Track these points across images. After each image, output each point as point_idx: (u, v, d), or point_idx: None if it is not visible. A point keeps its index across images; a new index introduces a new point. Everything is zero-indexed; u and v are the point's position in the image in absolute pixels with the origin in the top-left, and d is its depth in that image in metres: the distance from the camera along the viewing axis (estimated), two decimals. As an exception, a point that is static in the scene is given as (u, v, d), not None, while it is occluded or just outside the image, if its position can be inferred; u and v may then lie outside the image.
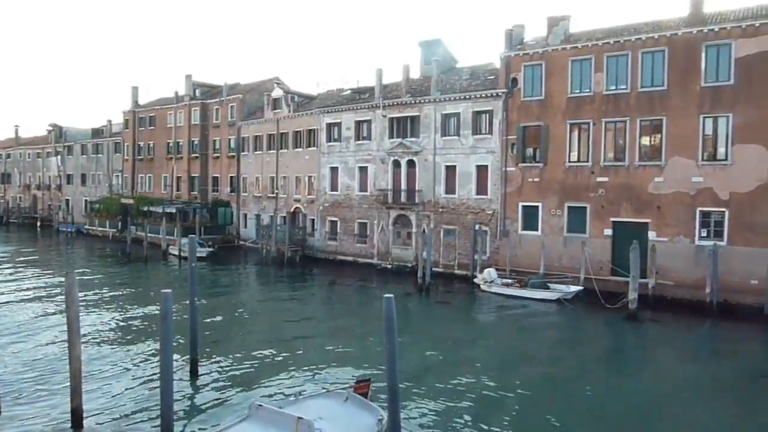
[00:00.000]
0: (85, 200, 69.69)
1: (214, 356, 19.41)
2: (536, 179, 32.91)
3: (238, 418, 12.04)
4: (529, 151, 33.45)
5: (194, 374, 17.18)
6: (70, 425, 13.40)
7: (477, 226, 34.58)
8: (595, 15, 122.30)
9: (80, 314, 13.98)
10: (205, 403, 15.37)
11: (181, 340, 19.44)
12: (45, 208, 77.63)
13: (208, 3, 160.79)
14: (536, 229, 32.85)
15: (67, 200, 73.32)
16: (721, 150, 27.50)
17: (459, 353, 20.61)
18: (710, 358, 20.78)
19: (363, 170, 41.76)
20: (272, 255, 43.04)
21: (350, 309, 29.27)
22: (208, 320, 23.97)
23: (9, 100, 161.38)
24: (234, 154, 53.78)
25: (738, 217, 26.88)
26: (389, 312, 11.20)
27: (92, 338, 21.48)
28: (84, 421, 13.47)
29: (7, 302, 28.14)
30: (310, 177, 45.83)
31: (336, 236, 43.28)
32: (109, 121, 70.42)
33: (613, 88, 30.23)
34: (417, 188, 38.18)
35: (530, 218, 33.16)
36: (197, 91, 59.31)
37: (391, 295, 11.32)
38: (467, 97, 35.90)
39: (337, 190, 43.49)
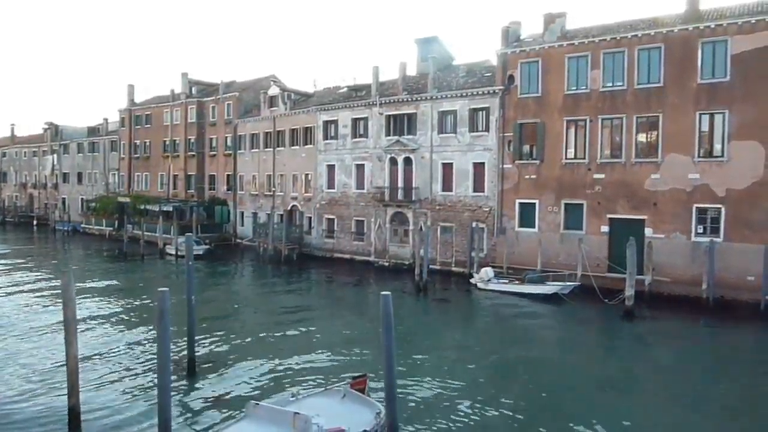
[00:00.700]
0: (82, 199, 69.55)
1: (211, 354, 19.42)
2: (533, 176, 32.95)
3: (236, 418, 12.05)
4: (526, 148, 33.47)
5: (191, 372, 17.17)
6: (67, 424, 13.37)
7: (474, 224, 34.62)
8: (592, 12, 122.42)
9: (77, 313, 13.96)
10: (202, 402, 15.36)
11: (178, 339, 19.45)
12: (41, 207, 77.44)
13: (204, 1, 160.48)
14: (533, 227, 32.90)
15: (64, 199, 73.15)
16: (718, 147, 27.56)
17: (456, 350, 20.63)
18: (706, 354, 20.84)
19: (360, 168, 41.74)
20: (269, 253, 43.04)
21: (347, 307, 29.27)
22: (206, 319, 23.92)
23: (5, 98, 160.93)
24: (231, 152, 53.70)
25: (734, 214, 26.95)
26: (386, 309, 11.21)
27: (89, 337, 21.45)
28: (81, 420, 13.44)
29: (4, 301, 28.06)
30: (306, 175, 45.80)
31: (333, 234, 43.28)
32: (106, 120, 70.23)
33: (610, 85, 30.26)
34: (414, 186, 38.19)
35: (527, 215, 33.20)
36: (193, 89, 59.14)
37: (389, 293, 11.33)
38: (464, 94, 35.90)
39: (334, 188, 43.49)
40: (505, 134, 33.99)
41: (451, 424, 14.01)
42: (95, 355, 19.38)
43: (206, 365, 18.21)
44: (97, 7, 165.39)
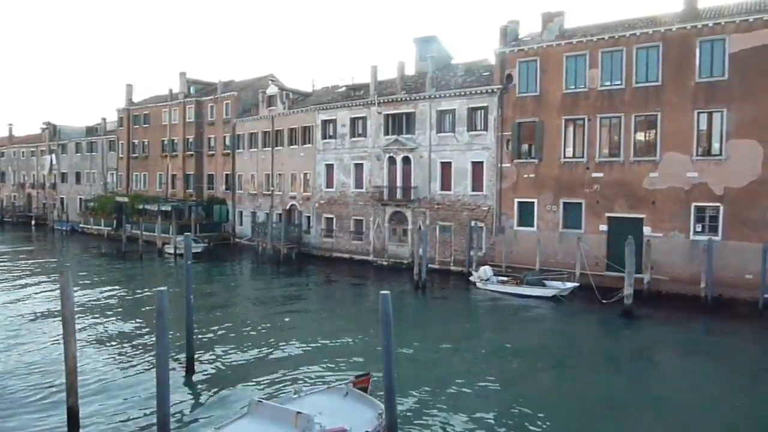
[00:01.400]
0: (80, 198, 69.50)
1: (210, 353, 19.41)
2: (531, 175, 32.96)
3: (238, 415, 12.04)
4: (525, 147, 33.47)
5: (190, 372, 17.18)
6: (66, 424, 13.36)
7: (473, 223, 34.63)
8: (590, 11, 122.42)
9: (75, 312, 13.95)
10: (201, 401, 15.37)
11: (177, 338, 19.44)
12: (40, 207, 77.40)
13: (203, 0, 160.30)
14: (532, 225, 32.92)
15: (62, 199, 73.08)
16: (716, 145, 27.58)
17: (455, 350, 20.62)
18: (705, 353, 20.84)
19: (358, 167, 41.74)
20: (268, 252, 43.03)
21: (347, 306, 29.28)
22: (204, 318, 23.94)
23: (2, 98, 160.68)
24: (229, 151, 53.68)
25: (733, 212, 26.99)
26: (386, 309, 11.21)
27: (88, 336, 21.44)
28: (80, 420, 13.43)
29: (2, 301, 28.03)
30: (305, 174, 45.78)
31: (332, 233, 43.27)
32: (104, 119, 70.19)
33: (608, 83, 30.27)
34: (412, 185, 38.19)
35: (526, 214, 33.22)
36: (192, 88, 59.11)
37: (388, 292, 11.33)
38: (462, 93, 35.90)
39: (332, 187, 43.48)
40: (504, 133, 34.00)
41: (450, 424, 14.02)
42: (94, 354, 19.36)
43: (205, 364, 18.21)
44: (96, 7, 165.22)
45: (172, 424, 12.10)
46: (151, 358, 18.13)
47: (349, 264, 40.45)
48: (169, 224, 48.71)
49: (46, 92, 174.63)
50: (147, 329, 22.38)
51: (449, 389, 16.31)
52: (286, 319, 25.31)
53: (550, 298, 28.33)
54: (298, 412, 11.00)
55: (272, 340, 21.42)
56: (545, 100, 32.36)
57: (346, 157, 42.50)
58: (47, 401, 15.19)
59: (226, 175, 54.30)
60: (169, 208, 51.40)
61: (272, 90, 49.54)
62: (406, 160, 38.71)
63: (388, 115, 39.81)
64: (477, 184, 35.42)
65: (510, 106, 33.79)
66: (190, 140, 57.03)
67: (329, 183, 43.76)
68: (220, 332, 22.38)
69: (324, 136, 44.15)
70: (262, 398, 12.79)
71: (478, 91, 35.13)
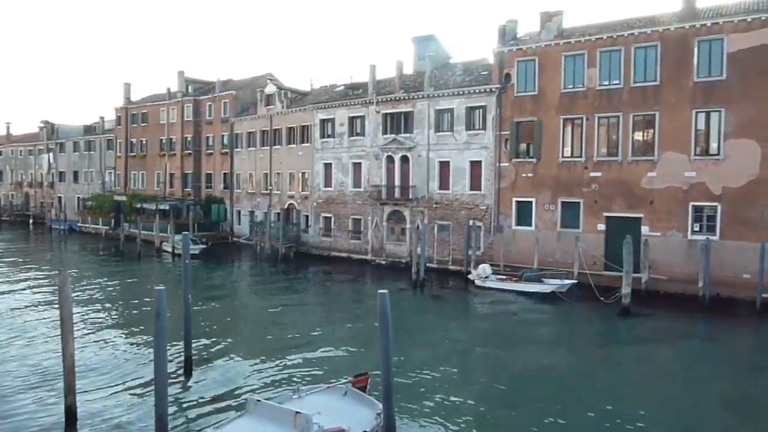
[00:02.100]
0: (78, 197, 69.38)
1: (208, 353, 19.39)
2: (530, 174, 32.97)
3: (236, 414, 12.03)
4: (523, 146, 33.49)
5: (189, 371, 17.16)
6: (64, 423, 13.36)
7: (471, 222, 34.63)
8: (588, 10, 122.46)
9: (73, 312, 13.93)
10: (199, 401, 15.35)
11: (175, 338, 19.42)
12: (37, 206, 77.28)
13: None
14: (530, 225, 32.94)
15: (60, 198, 72.97)
16: (714, 145, 27.61)
17: (454, 348, 20.64)
18: (703, 352, 20.88)
19: (357, 166, 41.73)
20: (266, 251, 43.02)
21: (345, 305, 29.27)
22: (203, 317, 23.92)
23: (0, 97, 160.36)
24: (227, 150, 53.63)
25: (730, 212, 27.02)
26: (384, 308, 11.21)
27: (86, 336, 21.40)
28: (78, 419, 13.43)
29: (0, 301, 27.98)
30: (303, 173, 45.76)
31: (330, 232, 43.26)
32: (102, 118, 70.03)
33: (606, 83, 30.29)
34: (411, 184, 38.18)
35: (524, 213, 33.24)
36: (190, 87, 59.03)
37: (386, 291, 11.32)
38: (461, 92, 35.90)
39: (331, 187, 43.46)
40: (502, 132, 34.00)
41: (448, 422, 14.02)
42: (92, 354, 19.32)
43: (203, 364, 18.19)
44: (94, 5, 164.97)
45: (170, 424, 12.09)
46: (149, 357, 18.10)
47: (347, 263, 40.45)
48: (167, 223, 48.67)
49: (44, 91, 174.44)
50: (145, 329, 22.35)
51: (448, 387, 16.32)
52: (284, 319, 25.31)
53: (548, 295, 28.35)
54: (297, 412, 10.99)
55: (270, 339, 21.41)
56: (543, 100, 32.37)
57: (345, 156, 42.48)
58: (45, 401, 15.15)
59: (224, 174, 54.25)
60: (167, 208, 51.34)
61: (270, 89, 49.49)
62: (405, 159, 38.70)
63: (386, 114, 39.80)
64: (475, 184, 35.43)
65: (508, 105, 33.80)
66: (189, 139, 56.96)
67: (327, 182, 43.75)
68: (218, 331, 22.35)
69: (322, 135, 44.12)
70: (261, 398, 12.77)
71: (477, 91, 35.13)
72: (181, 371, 17.17)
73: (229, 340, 21.29)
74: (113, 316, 24.99)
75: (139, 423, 13.85)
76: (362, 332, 22.26)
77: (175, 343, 18.80)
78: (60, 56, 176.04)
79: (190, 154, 56.78)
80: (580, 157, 31.18)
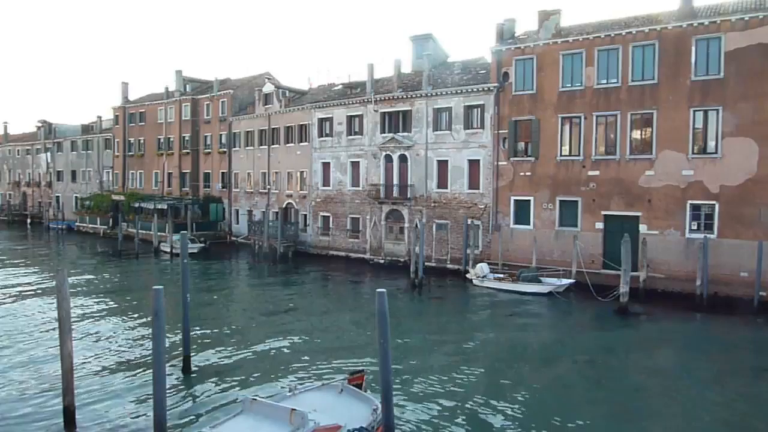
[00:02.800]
0: (76, 197, 69.25)
1: (206, 352, 19.38)
2: (528, 173, 32.99)
3: (232, 413, 12.05)
4: (521, 145, 33.51)
5: (187, 370, 17.14)
6: (62, 423, 13.35)
7: (469, 221, 34.65)
8: (586, 9, 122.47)
9: (71, 311, 13.91)
10: (198, 400, 15.35)
11: (173, 337, 19.43)
12: (35, 205, 77.15)
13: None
14: (528, 223, 32.96)
15: (58, 197, 72.85)
16: (711, 143, 27.65)
17: (452, 347, 20.65)
18: (701, 351, 20.91)
19: (355, 165, 41.72)
20: (264, 251, 43.00)
21: (343, 304, 29.27)
22: (201, 316, 23.90)
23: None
24: (225, 149, 53.59)
25: (728, 210, 27.06)
26: (382, 307, 11.20)
27: (84, 336, 21.37)
28: (76, 419, 13.42)
29: (-2, 300, 27.98)
30: (302, 172, 45.74)
31: (328, 231, 43.26)
32: (99, 117, 69.93)
33: (604, 81, 30.31)
34: (409, 183, 38.19)
35: (522, 212, 33.26)
36: (187, 86, 59.00)
37: (384, 290, 11.31)
38: (459, 91, 35.90)
39: (329, 186, 43.45)
40: (500, 131, 34.01)
41: (446, 421, 14.03)
42: (90, 353, 19.31)
43: (201, 363, 18.18)
44: (91, 4, 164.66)
45: (168, 423, 12.08)
46: (147, 357, 18.11)
47: (345, 262, 40.44)
48: (165, 223, 48.61)
49: (42, 90, 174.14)
50: (143, 328, 22.35)
51: (446, 386, 16.33)
52: (283, 318, 25.31)
53: (545, 295, 28.40)
54: (293, 409, 11.01)
55: (268, 338, 21.40)
56: (541, 98, 32.38)
57: (343, 155, 42.47)
58: (43, 401, 15.12)
59: (222, 173, 54.21)
60: (165, 207, 51.27)
61: (268, 88, 49.46)
62: (403, 158, 38.70)
63: (384, 113, 39.80)
64: (473, 182, 35.45)
65: (506, 104, 33.81)
66: (186, 138, 56.92)
67: (326, 181, 43.74)
68: (216, 331, 22.35)
69: (320, 134, 44.10)
70: (257, 396, 12.77)
71: (475, 89, 35.14)
72: (179, 370, 17.16)
73: (227, 338, 21.29)
74: (111, 316, 24.95)
75: (138, 422, 13.84)
76: (360, 331, 22.27)
77: (173, 342, 18.82)
78: (57, 56, 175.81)
79: (188, 153, 56.72)
80: (578, 155, 31.20)
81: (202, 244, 44.87)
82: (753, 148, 26.39)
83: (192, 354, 17.85)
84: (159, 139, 59.64)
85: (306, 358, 18.93)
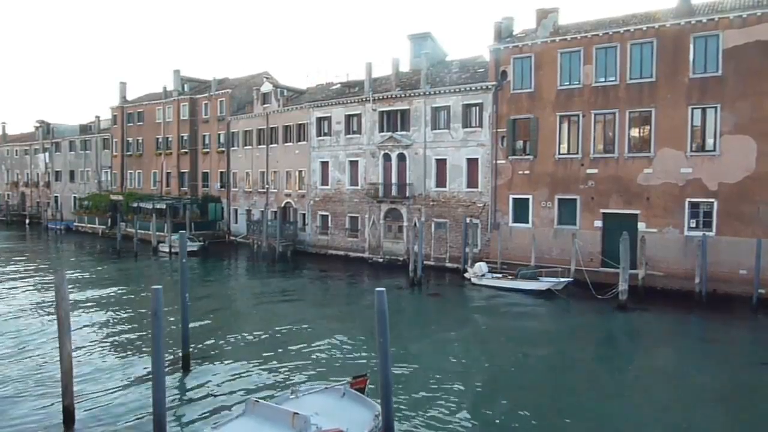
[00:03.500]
0: (74, 197, 69.19)
1: (206, 352, 19.37)
2: (526, 172, 32.99)
3: (235, 415, 12.05)
4: (519, 143, 33.52)
5: (186, 370, 17.15)
6: (62, 423, 13.34)
7: (468, 219, 34.65)
8: (584, 7, 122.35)
9: (70, 312, 13.90)
10: (197, 400, 15.33)
11: (172, 337, 19.40)
12: (33, 205, 77.03)
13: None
14: (527, 222, 32.97)
15: (56, 197, 72.76)
16: (710, 141, 27.67)
17: (451, 346, 20.67)
18: (699, 348, 20.95)
19: (353, 164, 41.70)
20: (263, 250, 42.98)
21: (342, 303, 29.27)
22: (200, 316, 23.88)
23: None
24: (224, 149, 53.55)
25: (726, 208, 27.08)
26: (381, 306, 11.19)
27: (83, 336, 21.35)
28: (76, 419, 13.41)
29: (-4, 301, 27.94)
30: (300, 171, 45.72)
31: (327, 231, 43.24)
32: (97, 117, 69.79)
33: (602, 79, 30.31)
34: (408, 182, 38.18)
35: (521, 211, 33.27)
36: (186, 86, 58.94)
37: (383, 289, 11.30)
38: (457, 90, 35.89)
39: (327, 185, 43.42)
40: (499, 130, 34.01)
41: (446, 421, 14.03)
42: (89, 353, 19.30)
43: (200, 362, 18.18)
44: (89, 4, 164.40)
45: (167, 423, 12.08)
46: (146, 357, 18.09)
47: (344, 261, 40.44)
48: (164, 222, 48.58)
49: (40, 90, 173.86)
50: (142, 328, 22.32)
51: (446, 384, 16.33)
52: (282, 317, 25.28)
53: (544, 293, 28.40)
54: (295, 413, 11.00)
55: (268, 338, 21.40)
56: (540, 97, 32.38)
57: (341, 155, 42.45)
58: (42, 402, 15.10)
59: (221, 172, 54.17)
60: (164, 206, 51.20)
61: (266, 87, 49.41)
62: (401, 157, 38.69)
63: (382, 112, 39.78)
64: (472, 181, 35.45)
65: (505, 102, 33.80)
66: (185, 138, 56.85)
67: (324, 180, 43.72)
68: (216, 331, 22.34)
69: (319, 134, 44.07)
70: (259, 398, 12.77)
71: (473, 88, 35.13)
72: (178, 370, 17.15)
73: (226, 338, 21.28)
74: (110, 316, 24.93)
75: (137, 422, 13.83)
76: (360, 330, 22.26)
77: (172, 341, 18.80)
78: (55, 56, 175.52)
79: (186, 152, 56.67)
80: (577, 154, 31.21)
81: (201, 244, 44.85)
82: (751, 146, 26.41)
83: (191, 353, 17.84)
84: (157, 138, 59.57)
85: (305, 357, 18.92)
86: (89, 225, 61.95)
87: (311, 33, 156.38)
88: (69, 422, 13.26)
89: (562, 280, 28.80)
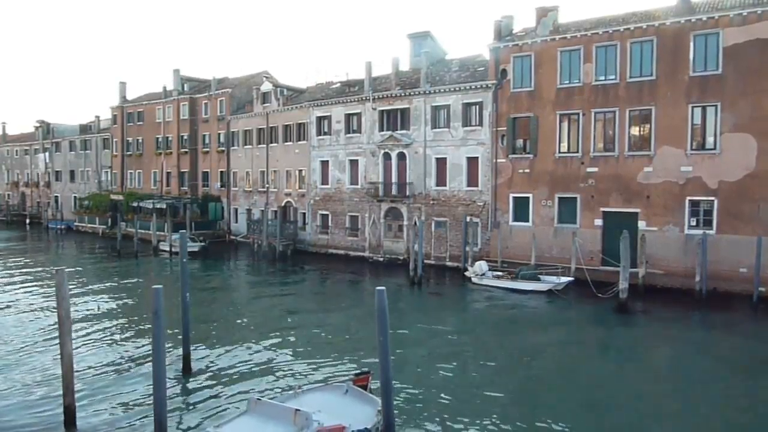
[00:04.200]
0: (74, 197, 69.21)
1: (207, 351, 19.38)
2: (526, 170, 32.99)
3: (237, 413, 12.07)
4: (519, 142, 33.52)
5: (187, 370, 17.14)
6: (63, 423, 13.34)
7: (468, 218, 34.64)
8: (584, 5, 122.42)
9: (71, 311, 13.91)
10: (198, 399, 15.34)
11: (173, 336, 19.40)
12: (34, 205, 77.07)
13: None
14: (527, 220, 32.97)
15: (56, 197, 72.78)
16: (710, 139, 27.66)
17: (451, 345, 20.68)
18: (700, 346, 20.93)
19: (353, 163, 41.70)
20: (264, 249, 42.99)
21: (343, 302, 29.25)
22: (201, 316, 23.87)
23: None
24: (224, 148, 53.55)
25: (727, 206, 27.08)
26: (381, 305, 11.21)
27: (84, 335, 21.36)
28: (77, 419, 13.42)
29: (-3, 300, 27.94)
30: (300, 171, 45.73)
31: (327, 230, 43.24)
32: (97, 117, 69.81)
33: (602, 78, 30.30)
34: (408, 181, 38.18)
35: (521, 209, 33.27)
36: (185, 85, 58.93)
37: (384, 288, 11.32)
38: (457, 89, 35.87)
39: (327, 184, 43.42)
40: (499, 128, 34.01)
41: (447, 420, 14.04)
42: (90, 353, 19.30)
43: (201, 362, 18.18)
44: (89, 4, 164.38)
45: (169, 423, 12.09)
46: (147, 356, 18.09)
47: (344, 260, 40.44)
48: (164, 222, 48.59)
49: (40, 90, 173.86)
50: (143, 327, 22.34)
51: (446, 384, 16.34)
52: (282, 316, 25.31)
53: (544, 293, 28.40)
54: (297, 410, 11.02)
55: (269, 337, 21.40)
56: (540, 95, 32.38)
57: (341, 154, 42.45)
58: (43, 401, 15.11)
59: (221, 172, 54.18)
60: (164, 206, 51.23)
61: (266, 87, 49.41)
62: (401, 156, 38.69)
63: (382, 111, 39.77)
64: (472, 180, 35.45)
65: (504, 101, 33.80)
66: (185, 137, 56.86)
67: (324, 179, 43.71)
68: (216, 330, 22.36)
69: (318, 133, 44.06)
70: (261, 396, 12.79)
71: (473, 87, 35.12)
72: (179, 370, 17.15)
73: (227, 338, 21.28)
74: (111, 316, 24.94)
75: (138, 422, 13.84)
76: (360, 329, 22.26)
77: (173, 341, 18.81)
78: (55, 55, 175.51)
79: (186, 152, 56.67)
80: (577, 152, 31.21)
81: (202, 243, 44.84)
82: (751, 144, 26.41)
83: (192, 353, 17.85)
84: (157, 138, 59.57)
85: (306, 356, 18.94)
86: (89, 225, 61.97)
87: (311, 33, 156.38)
88: (70, 422, 13.27)
89: (562, 280, 28.76)
